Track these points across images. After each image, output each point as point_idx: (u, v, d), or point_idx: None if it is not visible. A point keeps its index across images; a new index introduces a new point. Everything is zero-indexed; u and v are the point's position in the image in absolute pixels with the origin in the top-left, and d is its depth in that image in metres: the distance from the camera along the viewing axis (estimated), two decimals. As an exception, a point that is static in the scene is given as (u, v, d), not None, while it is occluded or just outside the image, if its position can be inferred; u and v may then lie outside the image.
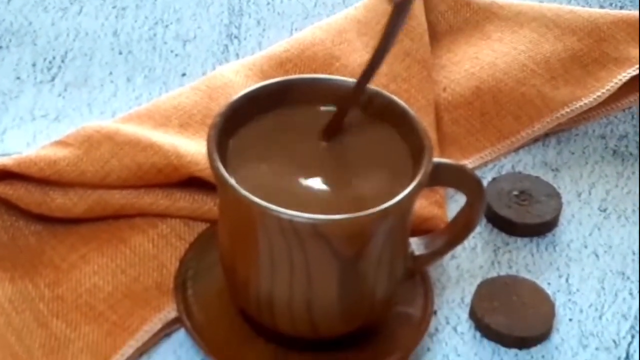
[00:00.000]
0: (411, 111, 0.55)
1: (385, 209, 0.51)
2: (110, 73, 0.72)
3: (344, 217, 0.51)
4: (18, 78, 0.71)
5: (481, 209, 0.55)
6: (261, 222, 0.51)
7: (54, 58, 0.73)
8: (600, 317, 0.60)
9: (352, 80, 0.56)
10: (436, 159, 0.53)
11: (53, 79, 0.71)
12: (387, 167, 0.54)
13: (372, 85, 0.56)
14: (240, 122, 0.55)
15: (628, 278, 0.62)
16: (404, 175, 0.53)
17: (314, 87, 0.56)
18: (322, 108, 0.56)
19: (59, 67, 0.72)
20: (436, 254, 0.57)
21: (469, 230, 0.56)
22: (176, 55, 0.74)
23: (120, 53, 0.73)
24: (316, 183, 0.53)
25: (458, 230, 0.56)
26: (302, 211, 0.50)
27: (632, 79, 0.71)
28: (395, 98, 0.55)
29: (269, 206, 0.50)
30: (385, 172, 0.54)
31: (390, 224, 0.52)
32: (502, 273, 0.61)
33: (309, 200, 0.52)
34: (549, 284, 0.61)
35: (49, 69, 0.72)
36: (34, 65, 0.72)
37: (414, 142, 0.54)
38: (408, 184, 0.52)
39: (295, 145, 0.55)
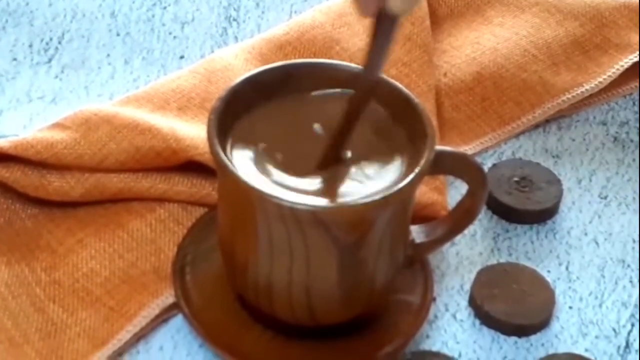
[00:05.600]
0: (415, 98, 0.54)
1: (386, 197, 0.50)
2: (108, 55, 0.71)
3: (345, 204, 0.50)
4: (15, 59, 0.71)
5: (483, 198, 0.55)
6: (261, 208, 0.51)
7: (50, 39, 0.72)
8: (600, 305, 0.60)
9: (353, 65, 0.55)
10: (438, 147, 0.53)
11: (50, 60, 0.71)
12: (386, 154, 0.54)
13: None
14: (241, 106, 0.54)
15: (628, 266, 0.62)
16: (404, 163, 0.53)
17: (316, 71, 0.56)
18: (324, 92, 0.55)
19: (56, 48, 0.71)
20: (437, 243, 0.56)
21: (470, 219, 0.55)
22: (174, 37, 0.73)
23: (118, 35, 0.73)
24: (316, 169, 0.53)
25: (459, 219, 0.56)
26: (302, 198, 0.50)
27: (634, 65, 0.71)
28: (399, 85, 0.55)
29: (269, 192, 0.50)
30: (384, 159, 0.54)
31: (391, 212, 0.52)
32: (502, 260, 0.61)
33: (309, 187, 0.52)
34: (548, 271, 0.61)
35: (45, 50, 0.71)
36: (30, 46, 0.71)
37: (416, 129, 0.53)
38: (408, 172, 0.52)
39: (296, 130, 0.54)
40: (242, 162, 0.52)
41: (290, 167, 0.53)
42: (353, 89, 0.52)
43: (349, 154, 0.53)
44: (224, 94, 0.54)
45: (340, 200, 0.51)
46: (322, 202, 0.50)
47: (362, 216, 0.51)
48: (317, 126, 0.54)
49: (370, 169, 0.53)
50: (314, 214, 0.50)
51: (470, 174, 0.54)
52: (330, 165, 0.53)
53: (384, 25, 0.50)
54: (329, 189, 0.52)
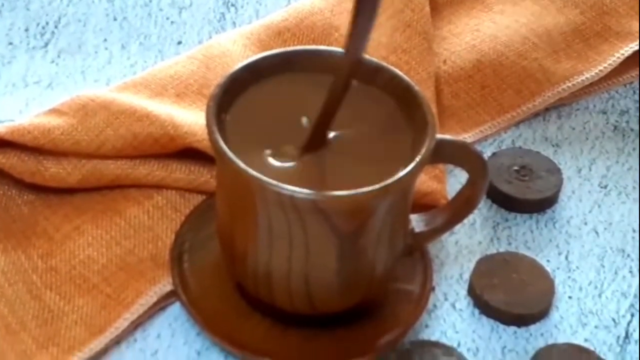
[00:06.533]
0: (415, 86, 0.54)
1: (386, 186, 0.50)
2: (105, 40, 0.71)
3: (345, 193, 0.50)
4: (10, 43, 0.70)
5: (484, 187, 0.54)
6: (260, 196, 0.51)
7: (47, 23, 0.71)
8: (599, 295, 0.59)
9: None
10: (439, 136, 0.52)
11: (46, 44, 0.70)
12: (387, 143, 0.53)
13: (373, 58, 0.55)
14: (240, 93, 0.54)
15: (628, 256, 0.61)
16: (404, 151, 0.52)
17: (315, 58, 0.55)
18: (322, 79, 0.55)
19: (52, 32, 0.71)
20: (436, 232, 0.56)
21: (470, 208, 0.55)
22: (172, 22, 0.72)
23: (115, 19, 0.72)
24: (315, 158, 0.52)
25: (459, 208, 0.55)
26: (301, 186, 0.50)
27: (634, 53, 0.70)
28: (400, 72, 0.54)
29: (269, 181, 0.50)
30: (384, 147, 0.53)
31: (391, 201, 0.51)
32: (502, 249, 0.61)
33: (308, 175, 0.52)
34: (548, 261, 0.61)
35: (42, 35, 0.71)
36: (26, 30, 0.71)
37: (416, 117, 0.53)
38: (408, 161, 0.51)
39: (295, 117, 0.54)
40: (240, 149, 0.52)
41: (288, 153, 0.52)
42: (335, 73, 0.51)
43: (347, 138, 0.53)
44: (223, 80, 0.53)
45: (340, 188, 0.50)
46: (322, 190, 0.50)
47: (361, 205, 0.50)
48: (305, 119, 0.54)
49: (370, 157, 0.52)
50: (314, 202, 0.50)
51: (470, 163, 0.54)
52: (316, 148, 0.52)
53: (365, 4, 0.49)
54: (328, 177, 0.52)
